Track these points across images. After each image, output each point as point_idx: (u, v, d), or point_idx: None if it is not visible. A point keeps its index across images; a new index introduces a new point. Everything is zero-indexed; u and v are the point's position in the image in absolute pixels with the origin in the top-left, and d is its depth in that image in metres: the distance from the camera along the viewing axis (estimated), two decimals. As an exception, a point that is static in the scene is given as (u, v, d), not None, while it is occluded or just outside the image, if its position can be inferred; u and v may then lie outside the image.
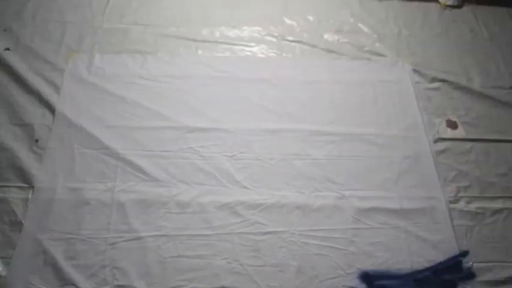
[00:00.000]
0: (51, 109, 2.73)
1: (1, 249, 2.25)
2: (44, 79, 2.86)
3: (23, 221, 2.33)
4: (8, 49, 2.98)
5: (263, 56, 3.14)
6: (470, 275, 2.30)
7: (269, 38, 3.24)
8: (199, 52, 3.12)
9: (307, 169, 2.61)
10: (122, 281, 2.20)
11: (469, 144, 2.76)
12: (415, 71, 3.09)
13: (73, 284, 2.17)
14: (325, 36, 3.28)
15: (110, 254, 2.27)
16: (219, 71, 3.01)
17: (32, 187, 2.44)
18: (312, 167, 2.62)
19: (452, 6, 3.51)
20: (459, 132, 2.80)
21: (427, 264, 2.31)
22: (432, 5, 3.55)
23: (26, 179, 2.46)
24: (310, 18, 3.39)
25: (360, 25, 3.37)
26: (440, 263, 2.32)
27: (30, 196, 2.41)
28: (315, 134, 2.75)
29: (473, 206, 2.52)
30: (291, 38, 3.23)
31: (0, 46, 3.00)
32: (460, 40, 3.34)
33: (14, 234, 2.30)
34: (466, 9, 3.54)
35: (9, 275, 2.18)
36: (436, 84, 3.03)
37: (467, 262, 2.34)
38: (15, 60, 2.94)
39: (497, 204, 2.54)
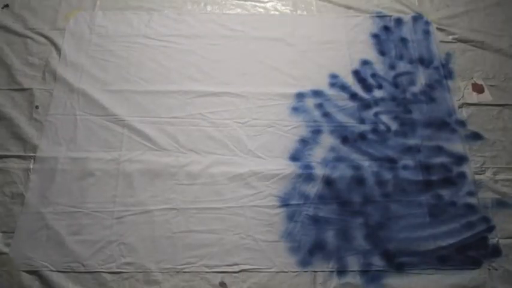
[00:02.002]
0: (52, 72, 2.58)
1: (2, 223, 2.17)
2: (43, 39, 2.70)
3: (24, 193, 2.23)
4: (6, 6, 2.81)
5: (277, 13, 2.94)
6: (496, 252, 2.19)
7: (283, -7, 3.03)
8: (208, 8, 2.93)
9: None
10: (129, 258, 2.11)
11: (496, 110, 2.59)
12: (439, 29, 2.87)
13: (77, 261, 2.09)
14: (343, -10, 3.06)
15: (117, 229, 2.17)
16: (229, 29, 2.84)
17: (33, 157, 2.32)
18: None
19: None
20: (486, 97, 2.63)
21: (450, 241, 2.19)
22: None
23: (26, 148, 2.34)
24: (327, -30, 3.16)
25: (380, -21, 3.13)
26: (465, 239, 2.20)
27: (31, 166, 2.30)
28: (334, 98, 2.59)
29: (500, 178, 2.38)
30: (306, -7, 3.02)
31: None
32: (488, -6, 3.11)
33: (15, 207, 2.20)
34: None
35: (11, 251, 2.09)
36: (461, 44, 2.82)
37: (493, 238, 2.22)
38: (12, 19, 2.78)
39: (526, 176, 2.40)
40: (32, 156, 2.32)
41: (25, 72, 2.57)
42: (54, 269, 2.06)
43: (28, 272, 2.06)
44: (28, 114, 2.44)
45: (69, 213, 2.19)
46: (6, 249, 2.09)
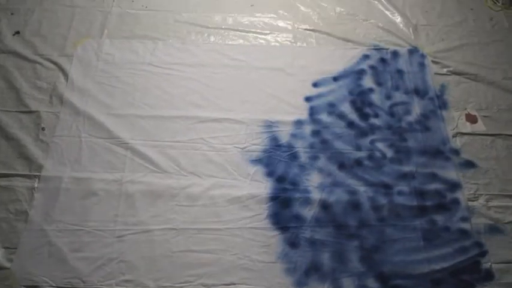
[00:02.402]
0: (59, 96, 2.66)
1: (5, 239, 2.21)
2: (51, 65, 2.79)
3: (28, 211, 2.28)
4: (18, 33, 2.92)
5: (277, 44, 3.04)
6: (489, 276, 2.23)
7: (283, 26, 3.13)
8: (212, 39, 3.03)
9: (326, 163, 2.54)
10: (129, 275, 2.15)
11: (489, 139, 2.66)
12: (434, 61, 2.97)
13: (78, 278, 2.12)
14: (341, 24, 3.16)
15: (117, 247, 2.22)
16: (231, 58, 2.93)
17: (38, 176, 2.38)
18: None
19: None
20: (479, 127, 2.70)
21: (444, 264, 2.23)
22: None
23: (32, 168, 2.40)
24: (325, 5, 3.26)
25: (377, 14, 3.24)
26: (458, 263, 2.24)
27: (36, 185, 2.36)
28: (331, 125, 2.67)
29: (492, 204, 2.43)
30: (306, 27, 3.12)
31: (8, 30, 2.93)
32: (481, 29, 3.20)
33: (19, 224, 2.25)
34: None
35: (13, 266, 2.13)
36: (455, 76, 2.92)
37: (486, 262, 2.26)
38: (22, 45, 2.88)
39: (518, 203, 2.45)
40: (37, 175, 2.38)
41: (33, 95, 2.65)
42: (54, 285, 2.10)
43: (29, 287, 2.09)
44: (35, 135, 2.51)
45: (71, 231, 2.24)
46: (8, 264, 2.13)
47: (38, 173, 2.39)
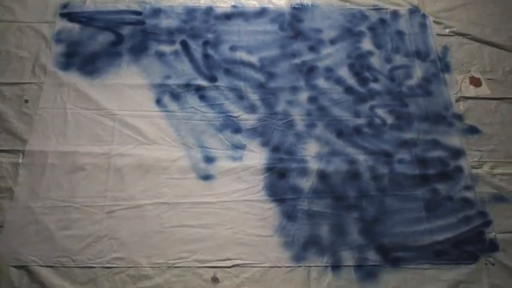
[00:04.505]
0: (42, 66, 2.53)
1: (-10, 218, 2.12)
2: (33, 32, 2.66)
3: (13, 188, 2.20)
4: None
5: (271, 5, 2.87)
6: (493, 247, 2.16)
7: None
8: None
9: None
10: (120, 253, 2.08)
11: (493, 104, 2.55)
12: (435, 22, 2.83)
13: (67, 256, 2.06)
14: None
15: (107, 224, 2.14)
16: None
17: (23, 151, 2.28)
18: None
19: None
20: (483, 90, 2.59)
21: (447, 235, 2.15)
22: None
23: (15, 143, 2.31)
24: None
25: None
26: (461, 234, 2.17)
27: (20, 161, 2.26)
28: (329, 91, 2.55)
29: (497, 172, 2.35)
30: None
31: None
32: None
33: (4, 202, 2.17)
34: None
35: (-1, 246, 2.05)
36: (458, 37, 2.78)
37: (490, 233, 2.19)
38: (1, 12, 2.72)
39: (524, 170, 2.37)
40: (21, 150, 2.28)
41: (14, 66, 2.53)
42: (43, 264, 2.04)
43: (17, 266, 2.03)
44: (17, 108, 2.40)
45: (58, 208, 2.16)
46: (-6, 244, 2.06)
47: (22, 148, 2.29)
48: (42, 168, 2.25)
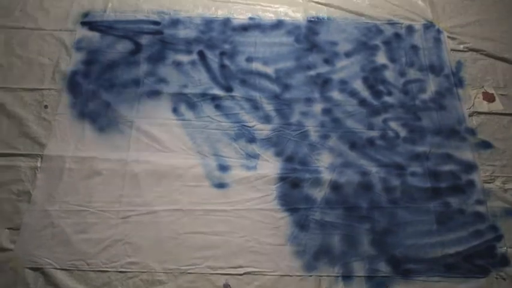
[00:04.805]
0: (62, 73, 2.59)
1: (8, 220, 2.17)
2: (54, 40, 2.71)
3: (31, 191, 2.23)
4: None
5: (287, 18, 2.92)
6: (504, 261, 2.16)
7: (294, -1, 3.03)
8: (219, 12, 2.92)
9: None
10: (134, 257, 2.10)
11: (506, 119, 2.56)
12: (450, 37, 2.85)
13: (82, 260, 2.09)
14: (355, -2, 3.05)
15: (122, 228, 2.17)
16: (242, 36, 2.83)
17: (41, 156, 2.32)
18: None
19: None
20: (496, 106, 2.60)
21: (458, 248, 2.16)
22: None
23: (34, 147, 2.35)
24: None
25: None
26: (473, 247, 2.18)
27: (39, 165, 2.30)
28: (343, 103, 2.58)
29: (509, 187, 2.35)
30: (318, 0, 3.01)
31: (15, 5, 2.84)
32: (499, 3, 3.07)
33: (22, 205, 2.21)
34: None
35: (16, 247, 2.09)
36: (472, 53, 2.80)
37: (501, 247, 2.19)
38: (24, 19, 2.79)
39: (536, 185, 2.37)
40: (39, 155, 2.32)
41: (35, 72, 2.58)
42: (58, 267, 2.06)
43: (32, 268, 2.06)
44: (37, 113, 2.44)
45: (75, 212, 2.19)
46: (11, 246, 2.10)
47: (40, 153, 2.33)
48: (59, 173, 2.28)
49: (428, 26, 2.91)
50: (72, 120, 2.44)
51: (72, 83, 2.55)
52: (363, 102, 2.59)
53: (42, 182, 2.26)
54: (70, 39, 2.72)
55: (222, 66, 2.67)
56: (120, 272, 2.07)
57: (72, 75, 2.58)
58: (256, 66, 2.69)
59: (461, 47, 2.82)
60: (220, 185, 2.30)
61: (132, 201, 2.23)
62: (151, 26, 2.81)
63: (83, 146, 2.36)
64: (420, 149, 2.45)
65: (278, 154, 2.40)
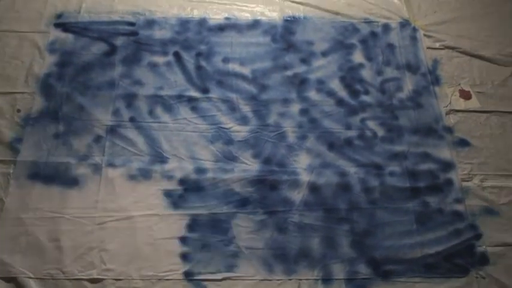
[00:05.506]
0: (35, 76, 2.53)
1: (-20, 229, 2.11)
2: (27, 42, 2.66)
3: (4, 198, 2.19)
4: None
5: (264, 18, 2.90)
6: (483, 260, 2.17)
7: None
8: (195, 12, 2.88)
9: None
10: (110, 265, 2.07)
11: (483, 117, 2.57)
12: (426, 35, 2.86)
13: (57, 268, 2.04)
14: (330, -4, 3.03)
15: (98, 235, 2.13)
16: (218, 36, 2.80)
17: (14, 161, 2.27)
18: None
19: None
20: (473, 103, 2.61)
21: (437, 248, 2.16)
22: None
23: (7, 153, 2.29)
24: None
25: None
26: (452, 247, 2.18)
27: (11, 171, 2.25)
28: (320, 103, 2.56)
29: (487, 185, 2.36)
30: (294, -2, 3.00)
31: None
32: (474, 1, 3.07)
33: (-6, 213, 2.15)
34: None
35: (-12, 257, 2.04)
36: (448, 51, 2.81)
37: (480, 246, 2.19)
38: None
39: (514, 183, 2.38)
40: (12, 160, 2.27)
41: (7, 75, 2.52)
42: (33, 276, 2.02)
43: (5, 279, 2.01)
44: (10, 118, 2.39)
45: (49, 219, 2.15)
46: (-17, 255, 2.05)
47: (13, 158, 2.28)
48: (33, 179, 2.24)
49: (404, 24, 2.90)
50: (46, 125, 2.38)
51: (46, 86, 2.50)
52: (340, 101, 2.58)
53: (16, 189, 2.21)
54: (43, 41, 2.66)
55: (198, 67, 2.64)
56: (97, 280, 2.03)
57: (46, 78, 2.53)
58: (233, 66, 2.66)
59: (437, 44, 2.83)
60: (198, 189, 2.26)
61: (108, 207, 2.19)
62: (126, 27, 2.76)
63: (56, 151, 2.32)
64: (398, 148, 2.44)
65: (255, 156, 2.38)
